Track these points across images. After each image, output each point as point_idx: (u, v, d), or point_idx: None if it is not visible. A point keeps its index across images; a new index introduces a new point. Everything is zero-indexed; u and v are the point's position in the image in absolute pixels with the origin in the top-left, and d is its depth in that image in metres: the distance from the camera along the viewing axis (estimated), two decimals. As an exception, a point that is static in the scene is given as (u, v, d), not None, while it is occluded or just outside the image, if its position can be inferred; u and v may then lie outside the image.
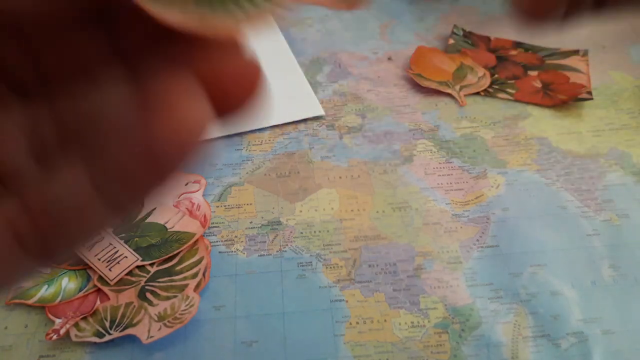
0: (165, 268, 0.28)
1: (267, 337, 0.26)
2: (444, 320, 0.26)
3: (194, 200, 0.31)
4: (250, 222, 0.31)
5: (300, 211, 0.32)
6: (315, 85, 0.41)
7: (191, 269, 0.28)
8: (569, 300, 0.27)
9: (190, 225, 0.29)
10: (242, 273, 0.29)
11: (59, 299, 0.27)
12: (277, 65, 0.43)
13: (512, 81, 0.41)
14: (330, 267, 0.29)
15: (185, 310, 0.26)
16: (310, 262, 0.29)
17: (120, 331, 0.26)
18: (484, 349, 0.25)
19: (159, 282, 0.28)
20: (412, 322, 0.26)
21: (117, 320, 0.26)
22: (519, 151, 0.35)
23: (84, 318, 0.26)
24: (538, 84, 0.40)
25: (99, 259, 0.27)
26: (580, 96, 0.38)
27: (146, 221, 0.29)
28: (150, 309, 0.26)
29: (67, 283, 0.28)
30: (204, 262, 0.28)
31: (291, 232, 0.31)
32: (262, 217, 0.32)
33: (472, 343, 0.26)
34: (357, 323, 0.26)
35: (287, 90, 0.41)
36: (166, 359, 0.25)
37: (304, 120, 0.38)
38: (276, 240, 0.30)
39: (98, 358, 0.25)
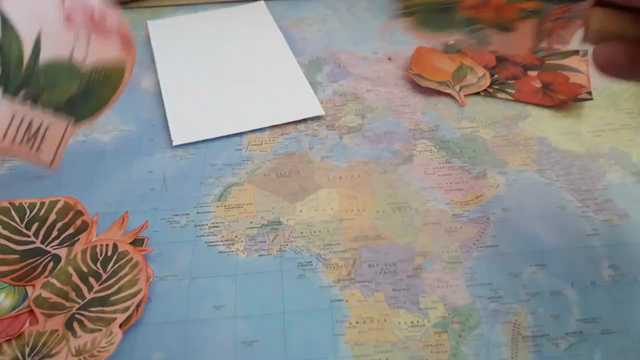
0: (102, 296, 0.26)
1: (267, 336, 0.26)
2: (444, 320, 0.26)
3: (90, 2, 0.20)
4: (251, 222, 0.31)
5: (300, 211, 0.32)
6: (315, 85, 0.41)
7: (125, 301, 0.26)
8: (568, 300, 0.27)
9: (107, 49, 0.21)
10: (243, 273, 0.29)
11: None
12: (277, 65, 0.43)
13: (512, 81, 0.41)
14: (330, 267, 0.29)
15: (103, 348, 0.24)
16: (310, 262, 0.29)
17: None
18: (483, 348, 0.25)
19: (90, 311, 0.26)
20: (412, 322, 0.26)
21: (37, 349, 0.25)
22: (519, 151, 0.35)
23: (9, 340, 0.25)
24: (538, 84, 0.40)
25: (18, 142, 0.21)
26: (580, 96, 0.38)
27: (40, 64, 0.20)
28: (72, 340, 0.25)
29: (3, 299, 0.26)
30: (139, 296, 0.27)
31: (291, 232, 0.31)
32: (262, 217, 0.32)
33: (471, 343, 0.26)
34: (357, 323, 0.26)
35: (287, 90, 0.41)
36: (166, 359, 0.25)
37: (304, 120, 0.38)
38: (276, 240, 0.30)
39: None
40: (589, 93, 0.39)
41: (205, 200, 0.33)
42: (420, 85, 0.40)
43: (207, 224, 0.31)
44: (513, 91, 0.40)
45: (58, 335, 0.25)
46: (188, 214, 0.32)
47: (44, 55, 0.20)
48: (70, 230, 0.30)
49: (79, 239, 0.29)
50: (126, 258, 0.28)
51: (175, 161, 0.35)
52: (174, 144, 0.36)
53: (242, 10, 0.51)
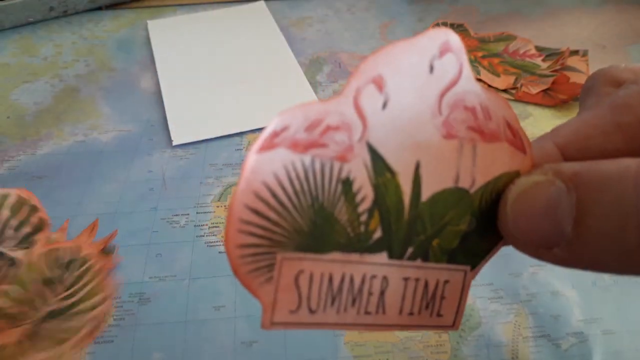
0: (61, 308, 0.24)
1: (267, 337, 0.26)
2: (444, 321, 0.26)
3: (471, 98, 0.15)
4: (250, 222, 0.31)
5: (300, 211, 0.32)
6: (315, 85, 0.41)
7: (86, 312, 0.24)
8: (569, 301, 0.27)
9: (497, 158, 0.15)
10: (242, 273, 0.29)
11: None
12: (277, 65, 0.43)
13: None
14: (330, 267, 0.29)
15: None
16: (310, 262, 0.29)
17: None
18: (484, 349, 0.25)
19: (48, 323, 0.23)
20: (412, 322, 0.26)
21: None
22: (519, 151, 0.35)
23: None
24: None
25: (417, 312, 0.16)
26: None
27: (423, 204, 0.15)
28: (28, 355, 0.22)
29: None
30: (100, 309, 0.24)
31: (291, 232, 0.31)
32: (262, 217, 0.31)
33: (472, 343, 0.26)
34: (357, 323, 0.26)
35: (287, 90, 0.41)
36: (166, 359, 0.25)
37: (304, 120, 0.38)
38: (276, 241, 0.30)
39: (98, 358, 0.25)
40: (590, 93, 0.38)
41: (205, 200, 0.33)
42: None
43: (207, 224, 0.31)
44: (514, 91, 0.40)
45: (8, 350, 0.22)
46: (188, 214, 0.32)
47: (426, 192, 0.15)
48: (27, 229, 0.27)
49: (36, 239, 0.26)
50: (88, 264, 0.25)
51: (174, 161, 0.35)
52: (174, 143, 0.36)
53: (242, 10, 0.50)
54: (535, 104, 0.39)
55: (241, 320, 0.27)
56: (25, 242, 0.26)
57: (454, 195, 0.15)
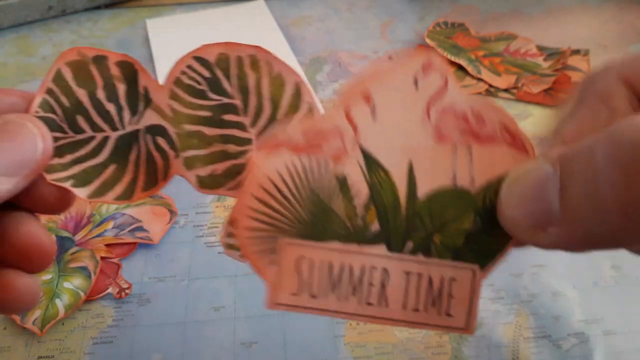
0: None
1: (266, 338, 0.26)
2: (445, 321, 0.26)
3: (460, 106, 0.16)
4: (250, 222, 0.31)
5: (300, 211, 0.32)
6: (315, 85, 0.41)
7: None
8: (570, 301, 0.27)
9: (496, 158, 0.16)
10: (242, 274, 0.28)
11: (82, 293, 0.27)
12: (277, 65, 0.43)
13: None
14: (331, 268, 0.29)
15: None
16: (310, 263, 0.29)
17: None
18: (484, 349, 0.25)
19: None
20: (413, 323, 0.26)
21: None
22: (520, 151, 0.35)
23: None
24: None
25: (423, 309, 0.16)
26: (581, 95, 0.38)
27: (420, 201, 0.16)
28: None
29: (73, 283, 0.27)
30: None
31: (291, 232, 0.31)
32: (261, 217, 0.31)
33: (473, 344, 0.25)
34: (358, 324, 0.26)
35: (287, 89, 0.40)
36: None
37: (304, 120, 0.38)
38: (276, 241, 0.30)
39: (97, 359, 0.25)
40: (591, 92, 0.38)
41: (204, 201, 0.32)
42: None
43: (206, 225, 0.31)
44: (515, 90, 0.39)
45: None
46: (187, 215, 0.32)
47: (422, 190, 0.16)
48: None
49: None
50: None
51: (174, 161, 0.35)
52: (173, 143, 0.36)
53: (242, 9, 0.50)
54: (536, 104, 0.39)
55: (241, 320, 0.26)
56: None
57: (453, 194, 0.16)
